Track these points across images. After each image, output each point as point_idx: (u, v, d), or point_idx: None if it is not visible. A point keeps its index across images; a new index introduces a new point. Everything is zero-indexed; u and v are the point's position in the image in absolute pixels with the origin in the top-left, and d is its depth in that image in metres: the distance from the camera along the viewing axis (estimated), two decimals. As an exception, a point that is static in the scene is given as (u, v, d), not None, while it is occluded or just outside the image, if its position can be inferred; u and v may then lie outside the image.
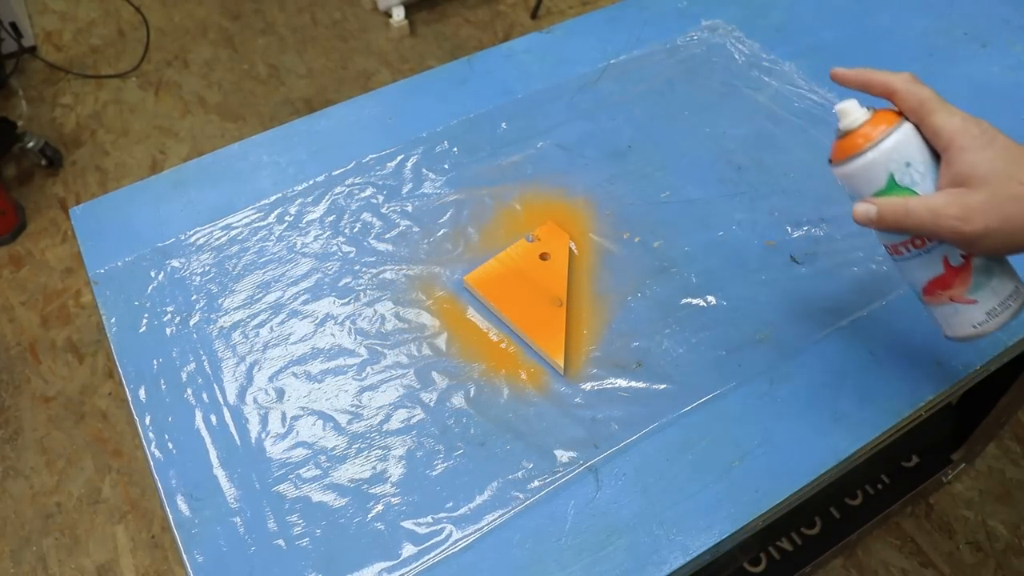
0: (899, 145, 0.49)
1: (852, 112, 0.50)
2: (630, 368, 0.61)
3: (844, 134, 0.50)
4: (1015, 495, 1.27)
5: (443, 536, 0.53)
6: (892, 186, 0.49)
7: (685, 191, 0.74)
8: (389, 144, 0.79)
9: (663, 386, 0.60)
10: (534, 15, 2.23)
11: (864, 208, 0.50)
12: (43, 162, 1.85)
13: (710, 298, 0.66)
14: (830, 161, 0.52)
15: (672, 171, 0.75)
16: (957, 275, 0.50)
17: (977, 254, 0.49)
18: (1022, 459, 1.31)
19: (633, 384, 0.60)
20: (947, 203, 0.47)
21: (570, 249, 0.69)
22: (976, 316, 0.50)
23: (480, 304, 0.66)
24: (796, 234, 0.70)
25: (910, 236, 0.50)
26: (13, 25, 2.01)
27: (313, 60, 2.14)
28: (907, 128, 0.49)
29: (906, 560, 1.21)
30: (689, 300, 0.66)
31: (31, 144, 1.81)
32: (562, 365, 0.61)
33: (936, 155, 0.49)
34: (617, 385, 0.60)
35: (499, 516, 0.54)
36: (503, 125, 0.80)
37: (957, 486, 1.28)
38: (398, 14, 2.17)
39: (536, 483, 0.55)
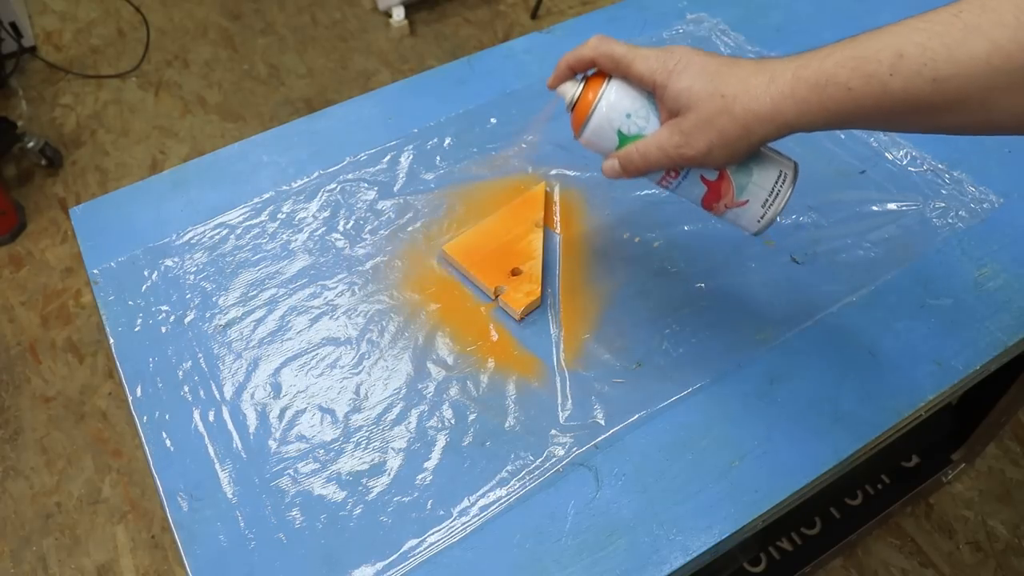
0: (612, 103, 0.52)
1: (568, 89, 0.54)
2: (630, 368, 0.61)
3: (570, 109, 0.54)
4: (1015, 495, 1.27)
5: (443, 527, 0.53)
6: (624, 139, 0.53)
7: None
8: (388, 144, 0.79)
9: (663, 386, 0.60)
10: (534, 15, 2.23)
11: (609, 164, 0.54)
12: (43, 162, 1.85)
13: (710, 298, 0.66)
14: (574, 137, 0.55)
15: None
16: (719, 187, 0.53)
17: (717, 167, 0.52)
18: (1022, 459, 1.31)
19: (633, 384, 0.60)
20: (668, 135, 0.50)
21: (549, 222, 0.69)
22: (755, 211, 0.53)
23: (475, 293, 0.66)
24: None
25: (664, 170, 0.54)
26: (13, 25, 2.01)
27: (313, 60, 2.14)
28: (612, 86, 0.52)
29: (906, 560, 1.21)
30: (689, 300, 0.66)
31: (31, 144, 1.81)
32: (518, 312, 0.64)
33: (652, 96, 0.52)
34: (617, 385, 0.60)
35: (498, 507, 0.54)
36: (494, 120, 0.80)
37: (957, 486, 1.28)
38: (398, 14, 2.17)
39: (534, 474, 0.55)
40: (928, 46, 0.42)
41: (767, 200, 0.53)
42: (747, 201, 0.53)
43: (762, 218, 0.53)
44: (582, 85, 0.54)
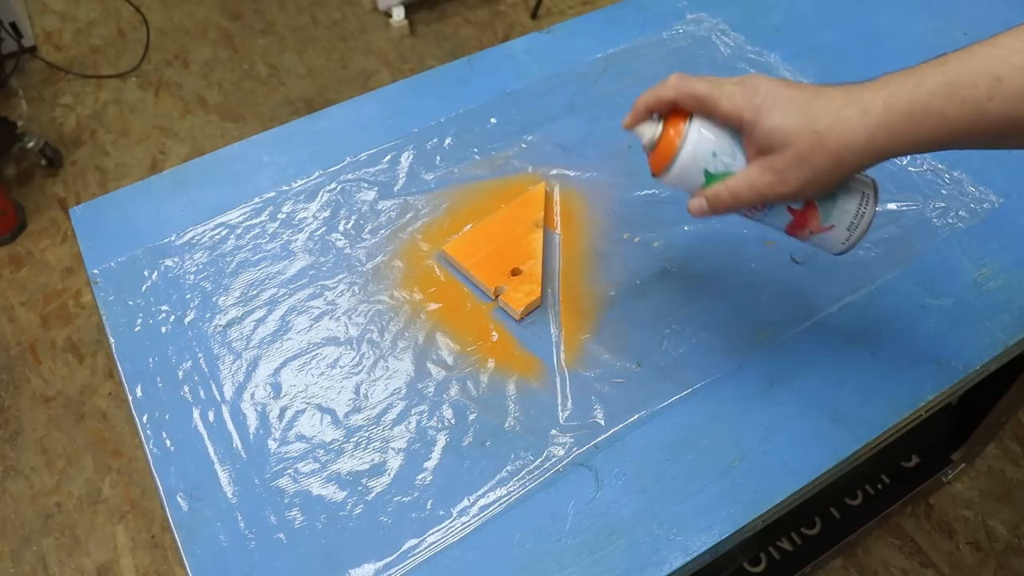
0: (697, 143, 0.51)
1: (647, 129, 0.53)
2: (630, 368, 0.61)
3: (651, 149, 0.53)
4: (1015, 495, 1.27)
5: (443, 527, 0.53)
6: (710, 177, 0.52)
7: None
8: (388, 144, 0.79)
9: (663, 386, 0.60)
10: (534, 15, 2.23)
11: (696, 203, 0.53)
12: (43, 162, 1.85)
13: (710, 298, 0.66)
14: (653, 175, 0.54)
15: (672, 171, 0.75)
16: (805, 215, 0.53)
17: (807, 200, 0.52)
18: (1022, 459, 1.31)
19: (633, 384, 0.60)
20: (760, 174, 0.49)
21: (551, 222, 0.69)
22: (840, 235, 0.53)
23: (475, 293, 0.66)
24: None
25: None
26: (13, 25, 2.01)
27: (313, 60, 2.14)
28: (696, 125, 0.51)
29: (906, 560, 1.21)
30: (689, 300, 0.66)
31: (31, 144, 1.81)
32: (518, 312, 0.64)
33: (736, 132, 0.51)
34: (617, 385, 0.60)
35: (498, 507, 0.54)
36: (494, 121, 0.80)
37: (957, 486, 1.28)
38: (398, 14, 2.17)
39: (534, 474, 0.55)
40: None
41: (852, 223, 0.52)
42: (833, 226, 0.53)
43: (847, 240, 0.53)
44: (661, 125, 0.52)
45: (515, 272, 0.66)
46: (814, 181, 0.48)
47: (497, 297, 0.65)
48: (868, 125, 0.46)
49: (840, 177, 0.49)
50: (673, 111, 0.52)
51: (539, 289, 0.65)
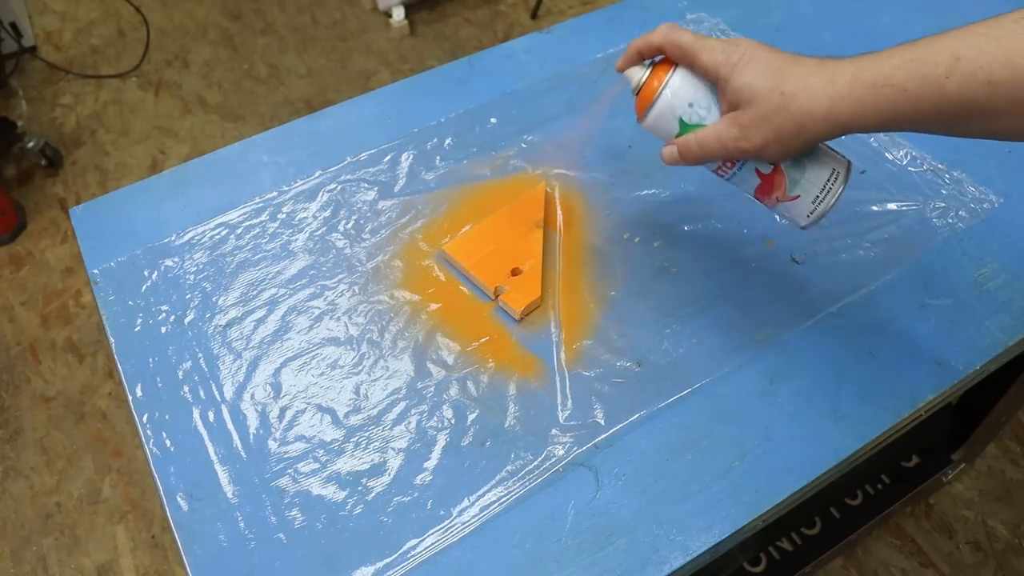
0: (676, 91, 0.54)
1: (635, 72, 0.56)
2: (630, 368, 0.61)
3: (635, 93, 0.56)
4: (1015, 495, 1.27)
5: (443, 527, 0.53)
6: (684, 127, 0.55)
7: (685, 191, 0.74)
8: (388, 144, 0.79)
9: (663, 386, 0.60)
10: (534, 15, 2.23)
11: (668, 150, 0.56)
12: (43, 162, 1.85)
13: (710, 298, 0.66)
14: (638, 121, 0.57)
15: (672, 171, 0.75)
16: (773, 180, 0.55)
17: (772, 162, 0.54)
18: (1022, 459, 1.31)
19: (633, 384, 0.60)
20: (727, 127, 0.52)
21: (555, 222, 0.69)
22: (805, 207, 0.55)
23: (475, 293, 0.66)
24: (784, 222, 0.70)
25: (721, 160, 0.55)
26: (13, 25, 2.01)
27: (313, 60, 2.14)
28: (678, 74, 0.54)
29: (906, 560, 1.21)
30: (689, 300, 0.66)
31: (31, 144, 1.81)
32: (518, 312, 0.64)
33: (715, 87, 0.53)
34: (617, 385, 0.60)
35: (498, 507, 0.54)
36: (494, 120, 0.80)
37: (957, 486, 1.28)
38: (398, 14, 2.17)
39: (534, 474, 0.55)
40: (985, 50, 0.43)
41: (818, 197, 0.54)
42: (798, 196, 0.55)
43: (811, 214, 0.55)
44: (648, 71, 0.55)
45: (515, 272, 0.66)
46: (775, 141, 0.50)
47: (497, 297, 0.65)
48: (832, 94, 0.47)
49: (801, 143, 0.50)
50: (663, 60, 0.55)
51: (539, 289, 0.65)
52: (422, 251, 0.70)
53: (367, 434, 0.58)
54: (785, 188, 0.55)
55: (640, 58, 0.57)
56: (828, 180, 0.54)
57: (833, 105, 0.47)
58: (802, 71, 0.49)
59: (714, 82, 0.53)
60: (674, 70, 0.54)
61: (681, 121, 0.54)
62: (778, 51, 0.51)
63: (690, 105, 0.54)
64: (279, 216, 0.73)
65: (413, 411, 0.59)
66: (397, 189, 0.75)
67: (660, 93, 0.54)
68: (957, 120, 0.45)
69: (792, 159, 0.54)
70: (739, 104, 0.51)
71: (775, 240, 0.69)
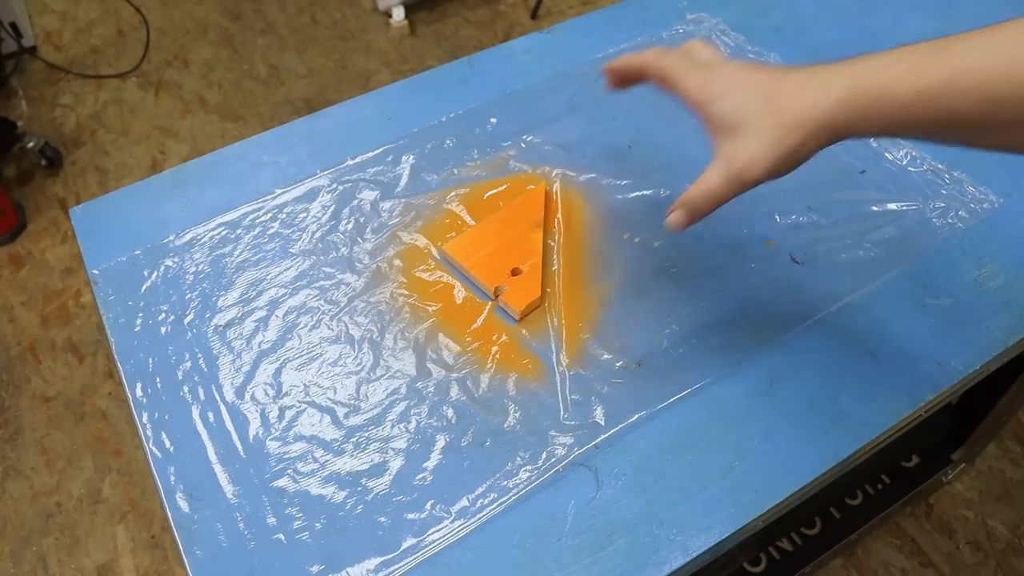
0: None
1: None
2: (630, 368, 0.61)
3: None
4: (1015, 495, 1.27)
5: (443, 527, 0.53)
6: None
7: (685, 191, 0.73)
8: (389, 144, 0.79)
9: (663, 386, 0.60)
10: (534, 15, 2.23)
11: (673, 217, 0.53)
12: (43, 162, 1.85)
13: (710, 298, 0.66)
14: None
15: (672, 171, 0.75)
16: None
17: (778, 177, 0.51)
18: (1022, 459, 1.31)
19: (633, 384, 0.60)
20: (728, 163, 0.49)
21: (555, 222, 0.69)
22: None
23: (475, 293, 0.66)
24: (784, 222, 0.70)
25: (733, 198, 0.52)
26: (13, 25, 2.01)
27: (313, 60, 2.14)
28: None
29: (906, 560, 1.21)
30: (689, 300, 0.66)
31: (31, 144, 1.81)
32: (518, 312, 0.64)
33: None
34: (617, 385, 0.60)
35: (498, 506, 0.54)
36: (494, 121, 0.80)
37: (957, 486, 1.28)
38: (398, 14, 2.17)
39: (534, 474, 0.55)
40: (986, 64, 0.41)
41: None
42: None
43: None
44: None
45: (515, 272, 0.66)
46: (783, 159, 0.48)
47: (497, 297, 0.65)
48: (831, 104, 0.46)
49: (806, 154, 0.48)
50: None
51: (539, 289, 0.65)
52: (422, 251, 0.70)
53: (367, 434, 0.58)
54: None
55: (623, 80, 0.56)
56: None
57: (833, 115, 0.46)
58: (792, 85, 0.47)
59: (695, 112, 0.51)
60: None
61: None
62: (762, 68, 0.50)
63: None
64: (279, 216, 0.73)
65: (413, 411, 0.59)
66: (398, 189, 0.75)
67: None
68: (956, 134, 0.45)
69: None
70: (728, 132, 0.49)
71: (775, 240, 0.70)
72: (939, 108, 0.43)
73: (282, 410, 0.60)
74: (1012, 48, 0.41)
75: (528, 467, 0.56)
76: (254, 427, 0.59)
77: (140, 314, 0.66)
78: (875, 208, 0.72)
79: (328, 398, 0.60)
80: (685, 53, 0.55)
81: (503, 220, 0.70)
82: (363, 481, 0.56)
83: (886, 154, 0.76)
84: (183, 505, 0.55)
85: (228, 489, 0.56)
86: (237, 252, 0.70)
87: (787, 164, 0.49)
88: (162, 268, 0.69)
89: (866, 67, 0.45)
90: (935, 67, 0.43)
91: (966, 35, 0.43)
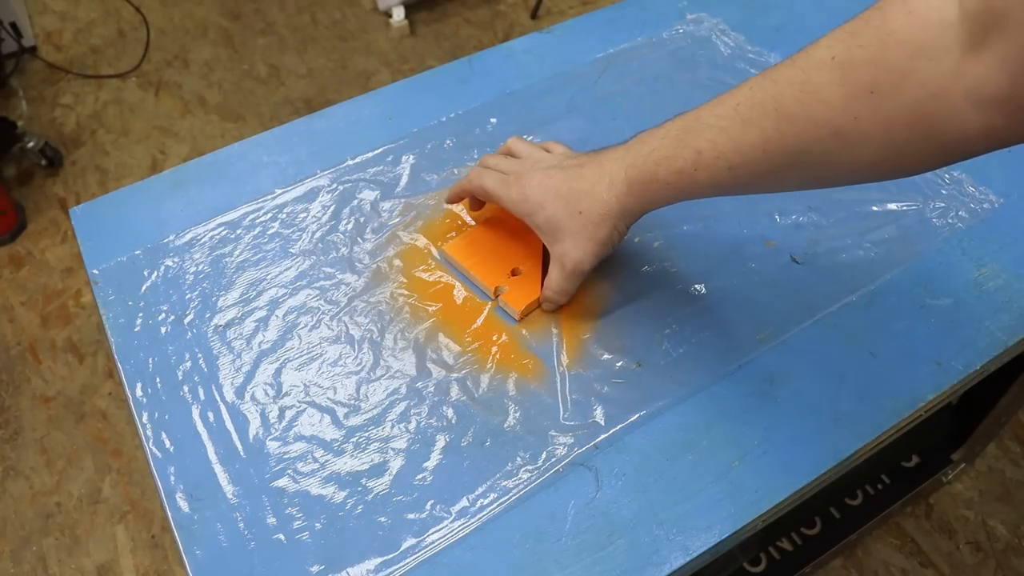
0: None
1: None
2: (630, 368, 0.61)
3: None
4: (1015, 495, 1.27)
5: (443, 527, 0.53)
6: None
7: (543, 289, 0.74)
8: (389, 144, 0.79)
9: (663, 386, 0.60)
10: (534, 15, 2.23)
11: (547, 306, 0.64)
12: (43, 162, 1.85)
13: (710, 298, 0.66)
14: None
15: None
16: None
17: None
18: (1022, 459, 1.31)
19: (633, 384, 0.60)
20: (564, 263, 0.59)
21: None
22: None
23: (475, 293, 0.66)
24: (784, 222, 0.70)
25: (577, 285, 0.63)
26: (13, 25, 2.01)
27: (313, 60, 2.14)
28: None
29: (906, 560, 1.21)
30: (689, 300, 0.66)
31: (31, 144, 1.81)
32: (518, 312, 0.64)
33: None
34: (617, 385, 0.60)
35: (498, 506, 0.54)
36: (494, 121, 0.80)
37: (957, 486, 1.28)
38: (398, 14, 2.17)
39: (534, 474, 0.55)
40: (717, 141, 0.49)
41: None
42: None
43: None
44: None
45: (515, 272, 0.66)
46: (602, 246, 0.58)
47: (497, 297, 0.65)
48: (617, 194, 0.55)
49: (619, 237, 0.58)
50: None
51: (539, 289, 0.65)
52: (423, 251, 0.70)
53: (367, 434, 0.58)
54: None
55: (460, 199, 0.68)
56: None
57: (622, 202, 0.55)
58: (585, 184, 0.57)
59: (523, 219, 0.61)
60: None
61: None
62: (563, 169, 0.58)
63: None
64: (279, 216, 0.73)
65: (413, 411, 0.59)
66: (398, 189, 0.75)
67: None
68: (720, 193, 0.52)
69: None
70: (552, 236, 0.59)
71: (775, 240, 0.70)
72: (695, 182, 0.51)
73: (282, 410, 0.60)
74: (733, 123, 0.48)
75: (528, 467, 0.56)
76: (254, 427, 0.59)
77: (140, 314, 0.66)
78: (875, 208, 0.72)
79: (328, 398, 0.60)
80: (504, 155, 0.66)
81: (503, 221, 0.70)
82: (363, 481, 0.56)
83: (886, 154, 0.76)
84: (183, 505, 0.55)
85: (228, 489, 0.56)
86: (237, 252, 0.70)
87: (605, 249, 0.59)
88: (162, 268, 0.69)
89: (634, 156, 0.54)
90: (682, 151, 0.51)
91: (703, 109, 0.51)
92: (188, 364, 0.63)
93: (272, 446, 0.58)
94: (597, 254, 0.58)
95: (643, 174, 0.54)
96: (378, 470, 0.56)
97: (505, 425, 0.58)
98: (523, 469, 0.56)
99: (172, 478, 0.56)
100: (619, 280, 0.67)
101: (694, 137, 0.50)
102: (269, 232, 0.72)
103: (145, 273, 0.69)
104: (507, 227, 0.70)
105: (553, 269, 0.60)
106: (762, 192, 0.52)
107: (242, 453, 0.57)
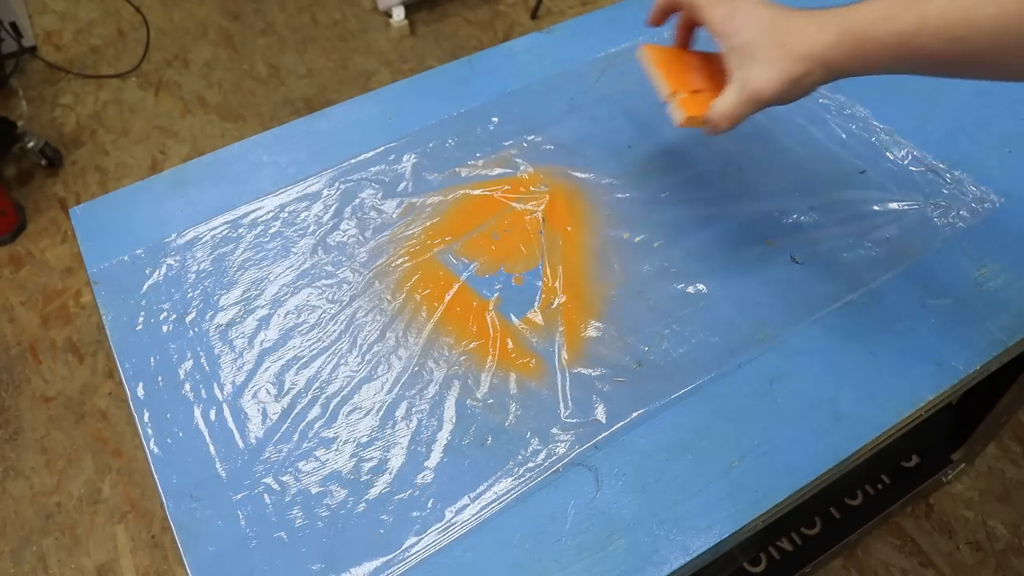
0: None
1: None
2: (630, 368, 0.61)
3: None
4: (1015, 495, 1.27)
5: (443, 526, 0.53)
6: None
7: (685, 191, 0.74)
8: (390, 144, 0.79)
9: (663, 386, 0.60)
10: (534, 15, 2.23)
11: (706, 130, 0.61)
12: (43, 162, 1.85)
13: (710, 298, 0.66)
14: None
15: (672, 171, 0.75)
16: None
17: (783, 104, 0.59)
18: (1022, 459, 1.31)
19: (633, 383, 0.60)
20: (743, 87, 0.57)
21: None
22: None
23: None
24: (784, 222, 0.70)
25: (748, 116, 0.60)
26: (13, 25, 2.01)
27: (313, 60, 2.14)
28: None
29: (906, 560, 1.21)
30: (689, 300, 0.66)
31: (31, 144, 1.81)
32: (684, 117, 0.62)
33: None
34: (617, 384, 0.60)
35: (498, 505, 0.54)
36: (495, 120, 0.80)
37: (957, 486, 1.28)
38: (398, 14, 2.17)
39: (535, 473, 0.55)
40: (947, 9, 0.48)
41: None
42: None
43: None
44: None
45: (697, 92, 0.64)
46: (790, 84, 0.55)
47: (673, 99, 0.63)
48: (825, 42, 0.53)
49: (810, 85, 0.56)
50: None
51: (706, 111, 0.62)
52: (423, 251, 0.70)
53: (368, 433, 0.58)
54: None
55: (665, 15, 0.66)
56: None
57: (828, 52, 0.53)
58: (798, 25, 0.55)
59: (717, 40, 0.58)
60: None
61: None
62: (774, 7, 0.57)
63: None
64: (281, 215, 0.73)
65: (413, 410, 0.59)
66: (399, 189, 0.75)
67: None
68: (929, 68, 0.51)
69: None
70: (744, 60, 0.56)
71: (775, 240, 0.70)
72: (912, 47, 0.50)
73: (283, 409, 0.60)
74: None
75: (529, 466, 0.56)
76: (255, 426, 0.59)
77: (141, 313, 0.66)
78: (876, 208, 0.72)
79: (328, 397, 0.60)
80: None
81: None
82: (364, 480, 0.56)
83: (887, 153, 0.76)
84: (183, 504, 0.55)
85: (229, 488, 0.56)
86: (239, 251, 0.70)
87: (792, 91, 0.56)
88: (164, 267, 0.69)
89: (854, 12, 0.53)
90: (906, 13, 0.50)
91: None
92: (190, 363, 0.63)
93: (273, 445, 0.58)
94: (781, 90, 0.55)
95: (859, 28, 0.52)
96: (378, 469, 0.56)
97: (506, 424, 0.58)
98: (524, 468, 0.56)
99: (172, 478, 0.56)
100: (619, 280, 0.67)
101: (921, 4, 0.49)
102: (271, 231, 0.72)
103: (147, 272, 0.69)
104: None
105: (729, 92, 0.58)
106: (972, 76, 0.51)
107: (243, 452, 0.57)
